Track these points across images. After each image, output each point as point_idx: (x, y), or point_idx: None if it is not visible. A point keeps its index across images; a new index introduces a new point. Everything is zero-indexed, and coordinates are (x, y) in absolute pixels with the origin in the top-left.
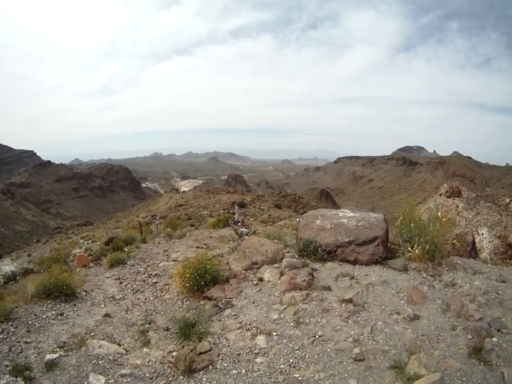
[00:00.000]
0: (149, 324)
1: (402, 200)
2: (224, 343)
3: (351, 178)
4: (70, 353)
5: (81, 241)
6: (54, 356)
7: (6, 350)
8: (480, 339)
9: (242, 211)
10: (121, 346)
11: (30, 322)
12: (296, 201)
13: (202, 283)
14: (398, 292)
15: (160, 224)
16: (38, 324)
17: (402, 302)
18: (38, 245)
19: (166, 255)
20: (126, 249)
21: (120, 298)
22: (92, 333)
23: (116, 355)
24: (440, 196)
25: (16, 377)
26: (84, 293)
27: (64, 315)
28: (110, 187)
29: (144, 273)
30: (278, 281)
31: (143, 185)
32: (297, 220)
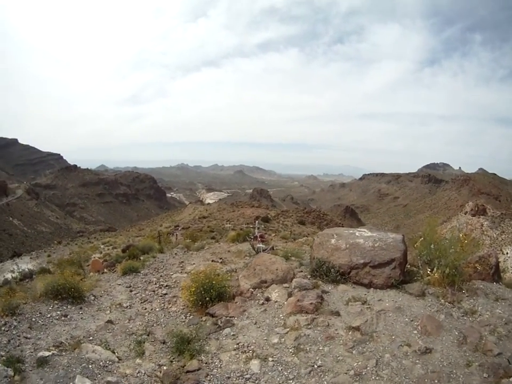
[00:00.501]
0: (148, 335)
1: (426, 218)
2: (216, 363)
3: (376, 196)
4: (64, 353)
5: (102, 246)
6: (47, 353)
7: (5, 342)
8: (497, 378)
9: (263, 226)
10: (115, 354)
11: (33, 319)
12: (320, 217)
13: (207, 298)
14: (411, 320)
15: (181, 235)
16: (41, 322)
17: (415, 332)
18: (59, 246)
19: (181, 267)
20: (141, 257)
21: (127, 306)
22: (90, 337)
23: (107, 362)
24: (465, 214)
25: (7, 367)
26: (92, 298)
27: (69, 317)
28: (135, 195)
29: (155, 284)
30: (285, 302)
31: (168, 195)
32: (308, 242)
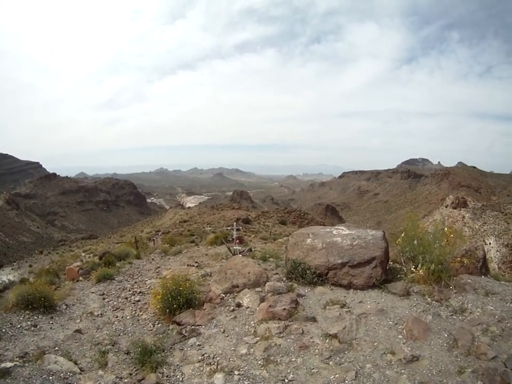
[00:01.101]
0: (113, 345)
1: (407, 213)
2: (178, 377)
3: (356, 193)
4: (26, 364)
5: (83, 254)
6: (10, 364)
7: None
8: None
9: (241, 228)
10: (78, 365)
11: (3, 330)
12: (301, 217)
13: (175, 306)
14: (396, 324)
15: (161, 240)
16: (11, 332)
17: (400, 336)
18: (40, 256)
19: (157, 272)
20: (118, 264)
21: (98, 315)
22: (56, 348)
23: (68, 373)
24: (446, 207)
25: None
26: (64, 307)
27: (38, 327)
28: (115, 201)
29: (129, 290)
30: (257, 308)
31: (149, 200)
32: (287, 238)
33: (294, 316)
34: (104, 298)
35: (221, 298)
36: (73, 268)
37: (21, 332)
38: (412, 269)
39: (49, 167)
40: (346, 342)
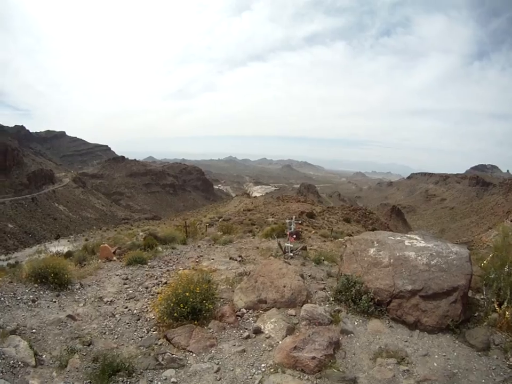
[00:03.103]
0: (88, 345)
1: (473, 223)
2: None
3: (423, 196)
4: None
5: (140, 233)
6: None
7: None
8: None
9: (301, 221)
10: (38, 356)
11: (2, 299)
12: (366, 216)
13: (176, 315)
14: None
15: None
16: (8, 303)
17: None
18: (98, 231)
19: (197, 261)
20: (160, 248)
21: (107, 302)
22: (34, 330)
23: (19, 363)
24: (510, 221)
25: None
26: (78, 286)
27: (37, 303)
28: (182, 186)
29: (156, 279)
30: (280, 342)
31: (215, 187)
32: (345, 243)
33: (326, 371)
34: (125, 284)
35: (237, 316)
36: (107, 247)
37: (17, 305)
38: (495, 306)
39: (118, 151)
40: None
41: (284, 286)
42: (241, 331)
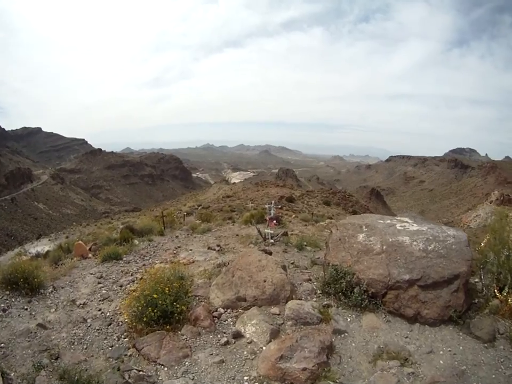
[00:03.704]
0: (56, 358)
1: (452, 205)
2: None
3: (402, 179)
4: None
5: (120, 226)
6: None
7: None
8: None
9: (280, 206)
10: (5, 376)
11: None
12: (346, 199)
13: (145, 319)
14: None
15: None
16: None
17: None
18: (79, 228)
19: (174, 253)
20: (136, 241)
21: (80, 305)
22: (3, 344)
23: None
24: (490, 203)
25: None
26: (51, 290)
27: (7, 312)
28: (161, 176)
29: (131, 275)
30: (263, 348)
31: (194, 175)
32: (330, 227)
33: (320, 383)
34: (99, 283)
35: (213, 318)
36: (81, 244)
37: None
38: (496, 292)
39: (95, 143)
40: None
41: (265, 281)
42: (219, 336)
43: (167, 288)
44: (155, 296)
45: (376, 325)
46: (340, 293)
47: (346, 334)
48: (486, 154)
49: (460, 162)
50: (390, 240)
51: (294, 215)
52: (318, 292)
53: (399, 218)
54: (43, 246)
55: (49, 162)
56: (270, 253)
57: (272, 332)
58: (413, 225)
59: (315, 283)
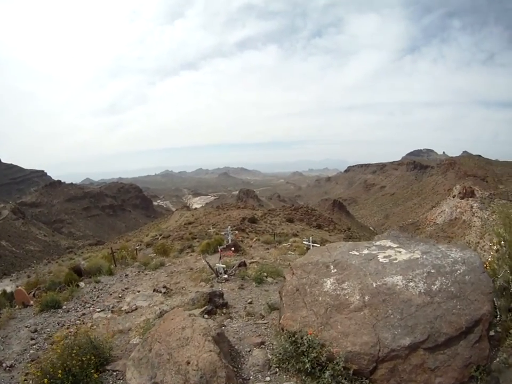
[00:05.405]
0: None
1: (416, 205)
2: None
3: (362, 187)
4: None
5: (82, 262)
6: None
7: None
8: None
9: (236, 232)
10: None
11: None
12: (309, 213)
13: None
14: None
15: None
16: None
17: None
18: (38, 266)
19: (119, 297)
20: (81, 283)
21: (6, 368)
22: None
23: None
24: (453, 197)
25: None
26: None
27: None
28: (122, 206)
29: (68, 328)
30: None
31: (155, 203)
32: (285, 272)
33: None
34: (32, 339)
35: None
36: (21, 290)
37: None
38: None
39: (54, 175)
40: None
41: (188, 363)
42: None
43: (59, 373)
44: (59, 372)
45: None
46: (304, 373)
47: None
48: (444, 152)
49: (418, 163)
50: (374, 285)
51: (255, 238)
52: (273, 366)
53: (378, 243)
54: (4, 287)
55: (9, 196)
56: (208, 312)
57: None
58: (400, 251)
59: (270, 348)
